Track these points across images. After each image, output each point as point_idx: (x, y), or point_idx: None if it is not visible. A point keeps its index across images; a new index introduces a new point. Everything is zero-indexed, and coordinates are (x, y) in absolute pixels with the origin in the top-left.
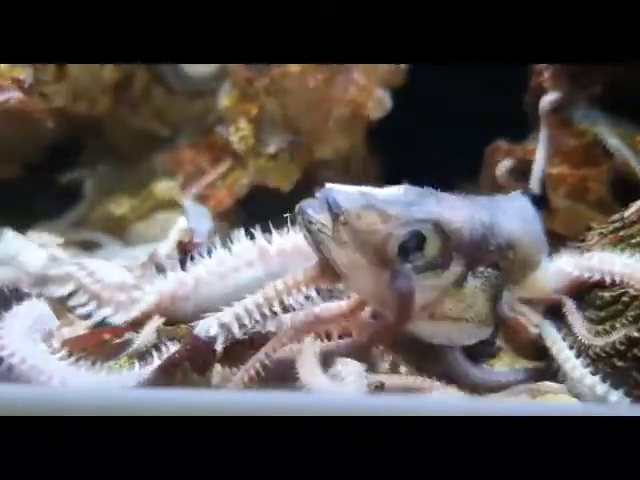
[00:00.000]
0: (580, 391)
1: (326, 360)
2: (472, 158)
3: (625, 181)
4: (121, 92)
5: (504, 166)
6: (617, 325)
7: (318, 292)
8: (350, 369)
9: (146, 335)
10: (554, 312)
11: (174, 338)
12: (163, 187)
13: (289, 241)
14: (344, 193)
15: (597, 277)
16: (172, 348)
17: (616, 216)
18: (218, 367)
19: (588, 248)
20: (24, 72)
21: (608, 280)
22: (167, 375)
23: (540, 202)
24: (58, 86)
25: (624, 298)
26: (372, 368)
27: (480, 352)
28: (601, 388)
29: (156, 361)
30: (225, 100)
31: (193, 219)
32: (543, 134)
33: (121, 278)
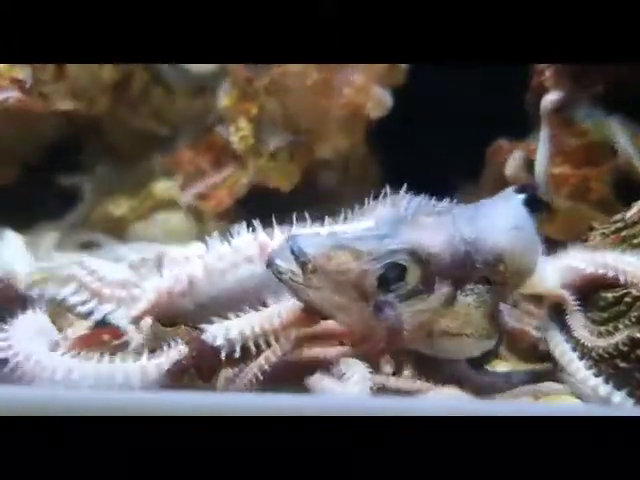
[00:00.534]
0: (583, 392)
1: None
2: (473, 158)
3: (628, 181)
4: (120, 92)
5: (515, 159)
6: (620, 326)
7: None
8: (354, 369)
9: (144, 335)
10: (556, 313)
11: (175, 339)
12: (162, 187)
13: None
14: (309, 239)
15: (611, 274)
16: (174, 350)
17: (618, 216)
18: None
19: (590, 248)
20: (23, 72)
21: (622, 279)
22: (174, 379)
23: (542, 202)
24: (57, 86)
25: (627, 299)
26: (375, 369)
27: (482, 358)
28: (604, 389)
29: (161, 361)
30: (225, 100)
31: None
32: (544, 134)
33: (122, 275)
